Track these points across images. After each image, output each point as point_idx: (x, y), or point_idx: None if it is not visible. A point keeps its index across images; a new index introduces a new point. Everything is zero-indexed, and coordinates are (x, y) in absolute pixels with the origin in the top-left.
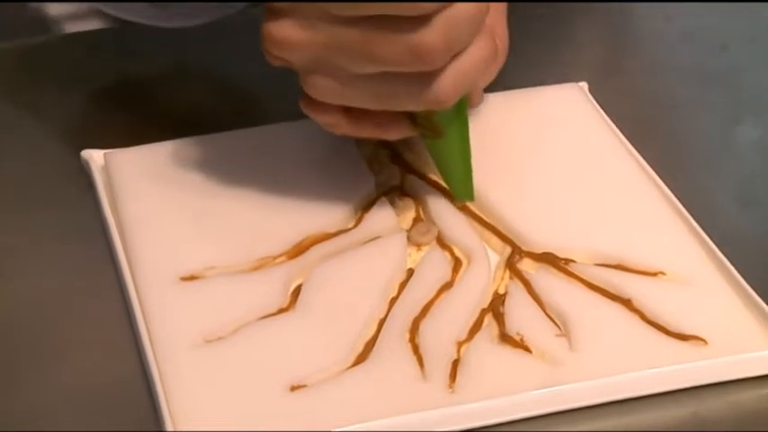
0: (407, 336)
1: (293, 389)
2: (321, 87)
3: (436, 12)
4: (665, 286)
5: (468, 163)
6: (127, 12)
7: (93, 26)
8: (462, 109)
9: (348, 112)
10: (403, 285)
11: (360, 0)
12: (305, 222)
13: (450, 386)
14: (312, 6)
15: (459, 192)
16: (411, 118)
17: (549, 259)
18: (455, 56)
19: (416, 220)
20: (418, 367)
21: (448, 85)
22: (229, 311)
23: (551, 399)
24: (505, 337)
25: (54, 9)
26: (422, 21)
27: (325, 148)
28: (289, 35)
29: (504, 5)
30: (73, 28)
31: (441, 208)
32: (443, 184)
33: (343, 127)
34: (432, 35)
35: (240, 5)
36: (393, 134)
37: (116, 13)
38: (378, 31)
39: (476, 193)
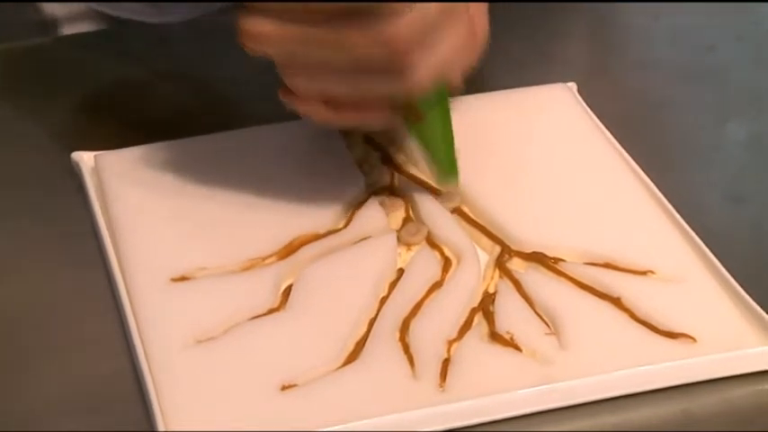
0: (398, 335)
1: (284, 388)
2: (298, 79)
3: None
4: (654, 284)
5: (452, 146)
6: (121, 10)
7: (87, 28)
8: (443, 93)
9: (327, 100)
10: (393, 285)
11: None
12: (295, 223)
13: (441, 385)
14: (282, 4)
15: (443, 175)
16: (392, 103)
17: (538, 258)
18: (429, 44)
19: (406, 220)
20: (409, 366)
21: (422, 73)
22: (220, 312)
23: (541, 397)
24: (495, 336)
25: (51, 10)
26: (392, 14)
27: (316, 149)
28: (262, 30)
29: None
30: (69, 30)
31: (430, 208)
32: (433, 184)
33: (322, 114)
34: (403, 28)
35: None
36: (374, 120)
37: (110, 11)
38: (348, 26)
39: (464, 193)
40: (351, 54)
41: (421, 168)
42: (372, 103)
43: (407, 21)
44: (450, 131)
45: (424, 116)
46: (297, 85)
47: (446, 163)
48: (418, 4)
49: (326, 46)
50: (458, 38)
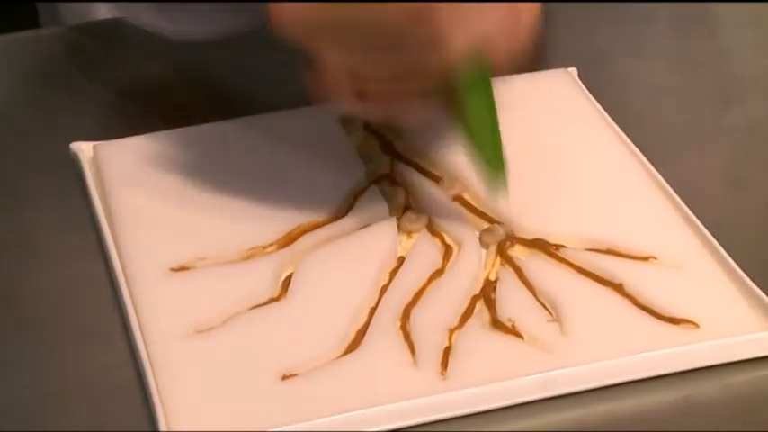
0: (399, 323)
1: (285, 378)
2: (329, 56)
3: None
4: (656, 270)
5: (498, 139)
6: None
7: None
8: (484, 76)
9: (359, 90)
10: (394, 273)
11: None
12: (295, 212)
13: (442, 373)
14: None
15: (491, 172)
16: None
17: (540, 245)
18: (465, 16)
19: (407, 207)
20: (410, 354)
21: (458, 44)
22: (220, 302)
23: (543, 384)
24: (497, 324)
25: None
26: None
27: (316, 137)
28: (294, 12)
29: None
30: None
31: (431, 195)
32: (434, 171)
33: (352, 104)
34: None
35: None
36: (406, 112)
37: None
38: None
39: (465, 180)
40: (384, 26)
41: (422, 157)
42: (406, 92)
43: None
44: (496, 123)
45: (465, 101)
46: (328, 65)
47: (493, 157)
48: None
49: (359, 21)
50: (498, 17)
